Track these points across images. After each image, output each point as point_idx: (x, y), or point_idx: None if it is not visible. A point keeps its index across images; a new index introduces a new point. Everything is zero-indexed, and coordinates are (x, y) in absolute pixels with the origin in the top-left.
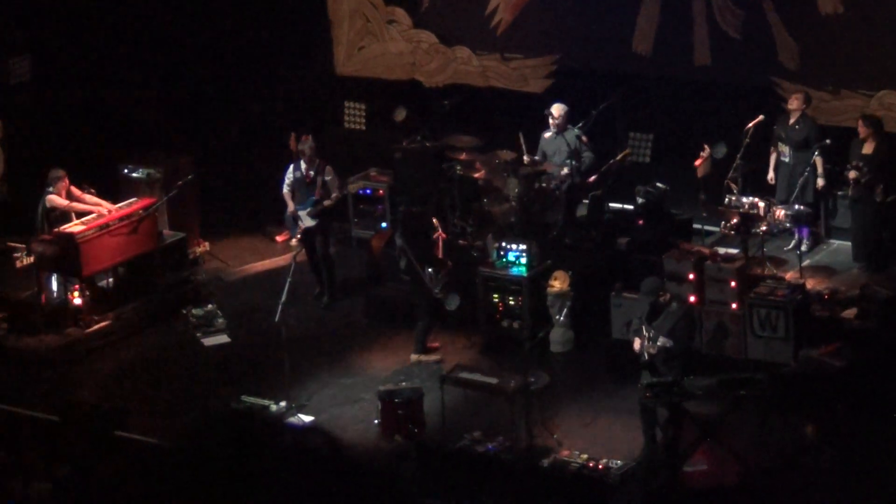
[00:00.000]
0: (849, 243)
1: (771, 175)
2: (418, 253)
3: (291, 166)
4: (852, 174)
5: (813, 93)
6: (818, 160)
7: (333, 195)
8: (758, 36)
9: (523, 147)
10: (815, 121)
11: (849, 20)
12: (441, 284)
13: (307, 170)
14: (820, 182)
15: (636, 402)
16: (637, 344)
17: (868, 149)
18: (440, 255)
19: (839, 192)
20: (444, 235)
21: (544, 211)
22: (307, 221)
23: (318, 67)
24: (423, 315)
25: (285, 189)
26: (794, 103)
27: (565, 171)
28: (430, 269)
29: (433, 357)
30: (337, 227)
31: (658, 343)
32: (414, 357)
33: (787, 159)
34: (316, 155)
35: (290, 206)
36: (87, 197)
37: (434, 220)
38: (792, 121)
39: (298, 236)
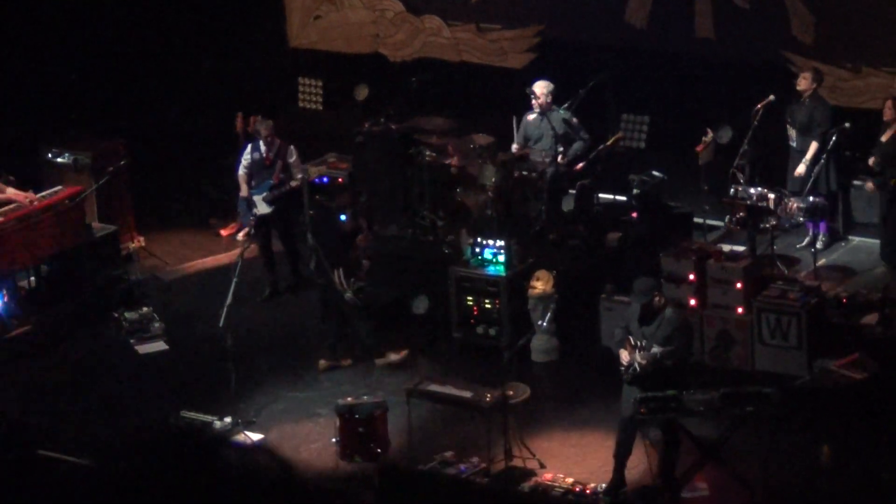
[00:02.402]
0: (870, 240)
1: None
2: (328, 253)
3: (249, 146)
4: (872, 161)
5: (831, 70)
6: (813, 145)
7: (295, 179)
8: (768, 5)
9: (516, 135)
10: (824, 101)
11: None
12: (354, 288)
13: (266, 151)
14: (801, 168)
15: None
16: (624, 356)
17: (887, 136)
18: (357, 256)
19: (855, 182)
20: (364, 241)
21: (525, 202)
22: (262, 208)
23: (268, 39)
24: (357, 317)
25: (241, 171)
26: (802, 83)
27: (550, 146)
28: (339, 270)
29: (401, 354)
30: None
31: (651, 353)
32: (380, 361)
33: (794, 144)
34: (274, 135)
35: (244, 191)
36: (9, 189)
37: (361, 221)
38: (800, 101)
39: (252, 224)
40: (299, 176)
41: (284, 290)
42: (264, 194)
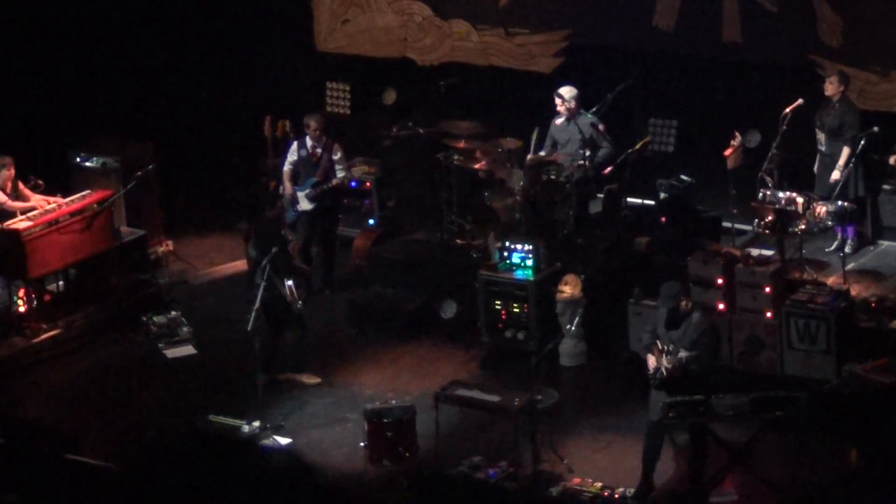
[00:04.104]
0: None
1: (818, 166)
2: (277, 263)
3: (295, 143)
4: (893, 159)
5: (858, 74)
6: (846, 150)
7: (339, 176)
8: (795, 8)
9: (532, 145)
10: (853, 105)
11: None
12: (302, 297)
13: (313, 147)
14: (835, 174)
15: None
16: (652, 361)
17: None
18: (305, 270)
19: (885, 187)
20: (296, 247)
21: (553, 207)
22: (305, 204)
23: (296, 43)
24: (295, 328)
25: (286, 168)
26: (829, 88)
27: (578, 161)
28: (289, 282)
29: (315, 380)
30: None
31: (678, 358)
32: (287, 376)
33: (823, 148)
34: (323, 131)
35: (289, 188)
36: (34, 197)
37: (286, 231)
38: (828, 105)
39: (293, 218)
40: (341, 174)
41: (316, 291)
42: (307, 191)
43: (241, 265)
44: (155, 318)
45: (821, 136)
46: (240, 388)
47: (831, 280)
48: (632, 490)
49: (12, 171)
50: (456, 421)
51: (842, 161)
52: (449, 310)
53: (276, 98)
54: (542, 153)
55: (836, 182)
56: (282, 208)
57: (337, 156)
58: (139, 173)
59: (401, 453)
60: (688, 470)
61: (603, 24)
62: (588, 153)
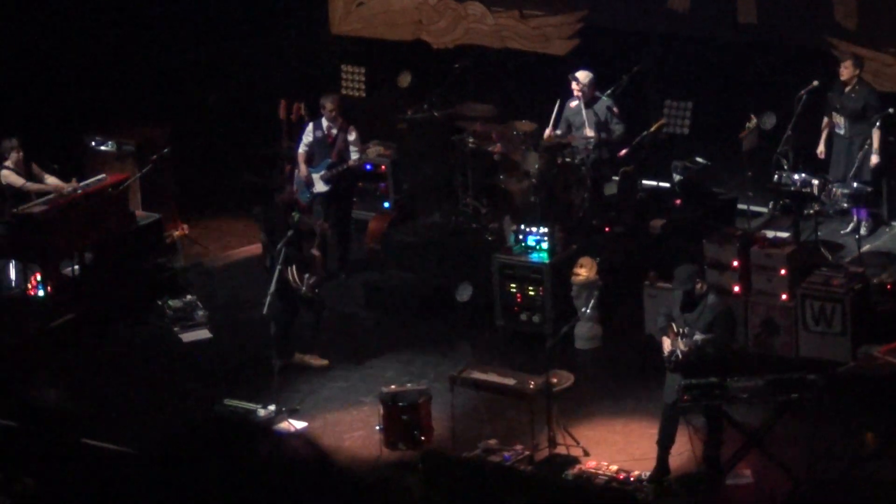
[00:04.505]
0: None
1: (821, 149)
2: (289, 251)
3: (311, 125)
4: None
5: (874, 55)
6: (876, 133)
7: (353, 157)
8: None
9: (553, 119)
10: (873, 87)
11: None
12: (311, 285)
13: (329, 128)
14: (874, 159)
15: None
16: (667, 343)
17: None
18: (315, 256)
19: None
20: (319, 258)
21: (568, 189)
22: (320, 186)
23: (311, 26)
24: (308, 310)
25: (301, 150)
26: (845, 73)
27: (592, 134)
28: (292, 267)
29: (323, 362)
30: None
31: (693, 340)
32: (297, 357)
33: (842, 131)
34: (339, 112)
35: (303, 170)
36: (50, 179)
37: (319, 223)
38: (847, 88)
39: (308, 200)
40: (355, 156)
41: (332, 274)
42: (322, 172)
43: (256, 249)
44: (170, 303)
45: (839, 120)
46: (255, 372)
47: (847, 262)
48: (647, 473)
49: (20, 153)
50: (471, 404)
51: (876, 144)
52: (464, 293)
53: (291, 81)
54: (559, 131)
55: (878, 165)
56: (291, 193)
57: (352, 137)
58: (154, 157)
59: (416, 437)
60: (703, 452)
61: (618, 6)
62: (604, 135)
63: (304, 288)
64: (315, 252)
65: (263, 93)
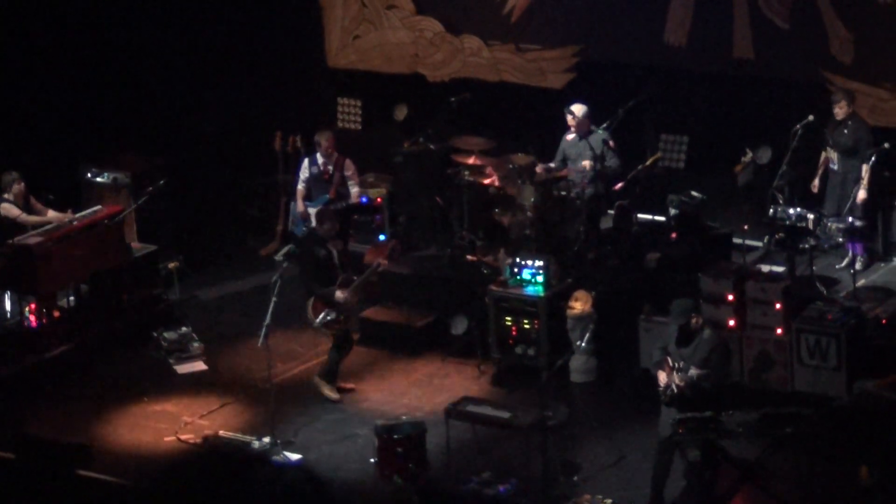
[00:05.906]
0: None
1: (815, 183)
2: (311, 284)
3: (307, 160)
4: None
5: (870, 90)
6: (866, 168)
7: (353, 192)
8: (807, 25)
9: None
10: (864, 122)
11: None
12: (326, 319)
13: (325, 164)
14: (861, 194)
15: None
16: (662, 377)
17: None
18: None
19: None
20: (349, 299)
21: (564, 222)
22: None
23: (307, 59)
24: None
25: (299, 186)
26: (839, 112)
27: (588, 164)
28: (310, 301)
29: (333, 394)
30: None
31: (688, 375)
32: (316, 381)
33: (835, 167)
34: (334, 148)
35: (300, 206)
36: (50, 212)
37: (378, 260)
38: (840, 124)
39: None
40: (354, 189)
41: None
42: (319, 207)
43: (252, 281)
44: (166, 334)
45: (833, 155)
46: (250, 404)
47: (842, 296)
48: None
49: (23, 185)
50: (466, 437)
51: (865, 180)
52: (460, 326)
53: (287, 113)
54: (552, 164)
55: (865, 201)
56: (332, 228)
57: (349, 172)
58: (150, 188)
59: (411, 469)
60: (698, 487)
61: (614, 40)
62: (599, 168)
63: (316, 322)
64: (340, 294)
65: (259, 125)
